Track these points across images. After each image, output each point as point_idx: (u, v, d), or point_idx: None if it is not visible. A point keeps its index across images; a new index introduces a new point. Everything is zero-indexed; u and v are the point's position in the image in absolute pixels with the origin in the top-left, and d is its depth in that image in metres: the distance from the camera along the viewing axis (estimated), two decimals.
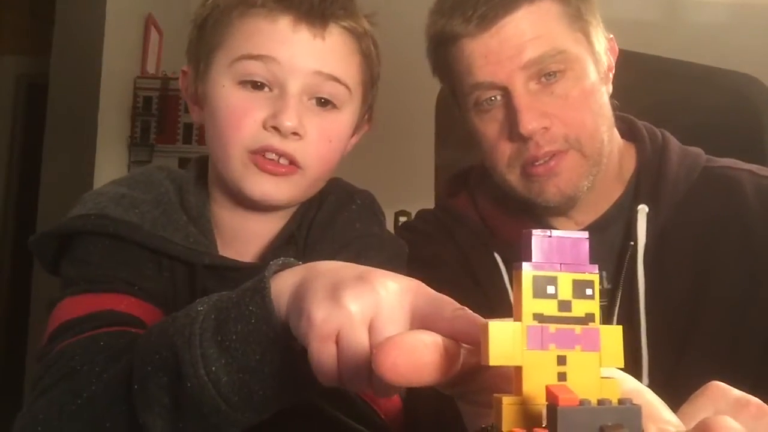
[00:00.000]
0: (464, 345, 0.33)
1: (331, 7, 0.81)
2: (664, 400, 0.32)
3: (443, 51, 0.92)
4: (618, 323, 0.87)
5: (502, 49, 0.85)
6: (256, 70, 0.80)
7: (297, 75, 0.79)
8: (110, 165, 2.64)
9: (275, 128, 0.79)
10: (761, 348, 0.85)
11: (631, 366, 0.84)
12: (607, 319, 0.90)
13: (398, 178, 2.66)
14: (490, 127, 0.89)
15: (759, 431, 0.31)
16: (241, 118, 0.79)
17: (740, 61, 1.40)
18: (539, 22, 0.85)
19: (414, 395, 0.79)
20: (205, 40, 0.84)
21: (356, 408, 0.72)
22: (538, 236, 0.28)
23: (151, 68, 3.03)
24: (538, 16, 0.85)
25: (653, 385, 0.33)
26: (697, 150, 0.97)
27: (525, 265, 0.27)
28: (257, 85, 0.80)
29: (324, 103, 0.82)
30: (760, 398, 0.33)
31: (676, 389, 0.35)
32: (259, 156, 0.80)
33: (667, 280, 0.88)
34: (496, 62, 0.85)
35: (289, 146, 0.80)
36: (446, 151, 1.35)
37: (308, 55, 0.80)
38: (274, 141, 0.79)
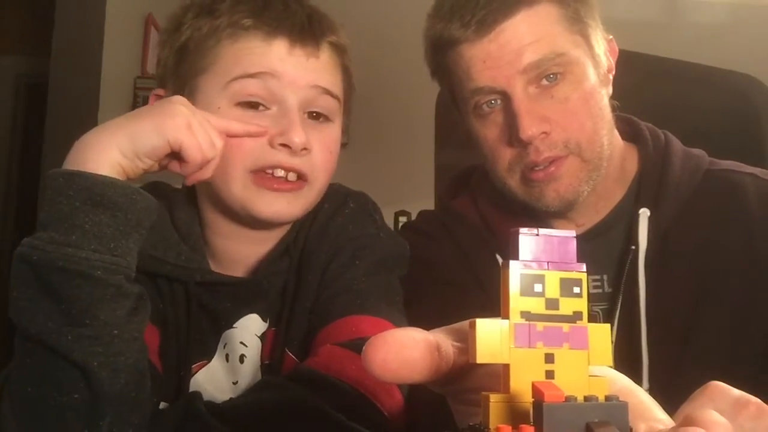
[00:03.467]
0: (455, 343, 0.33)
1: (320, 27, 0.85)
2: (664, 403, 0.32)
3: (442, 55, 0.91)
4: (619, 327, 0.88)
5: (501, 54, 0.84)
6: (253, 89, 0.81)
7: (295, 89, 0.82)
8: None
9: (284, 145, 0.80)
10: (761, 353, 0.84)
11: (631, 369, 0.84)
12: (607, 323, 0.90)
13: (398, 178, 2.65)
14: (489, 131, 0.89)
15: (759, 431, 0.31)
16: (243, 139, 0.80)
17: (740, 61, 1.40)
18: (538, 26, 0.85)
19: (414, 394, 0.79)
20: (187, 64, 0.84)
21: (359, 410, 0.72)
22: (525, 235, 0.28)
23: (151, 68, 3.02)
24: (536, 19, 0.85)
25: (653, 389, 0.33)
26: (699, 152, 0.96)
27: (512, 263, 0.28)
28: (254, 105, 0.82)
29: (317, 116, 0.84)
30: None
31: (676, 392, 0.35)
32: (263, 175, 0.81)
33: (668, 284, 0.88)
34: (495, 67, 0.85)
35: (298, 162, 0.82)
36: (446, 152, 1.35)
37: (304, 71, 0.83)
38: (282, 158, 0.81)
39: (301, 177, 0.83)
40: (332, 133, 0.87)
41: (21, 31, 3.82)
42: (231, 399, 0.78)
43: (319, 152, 0.84)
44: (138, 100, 2.90)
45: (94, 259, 0.66)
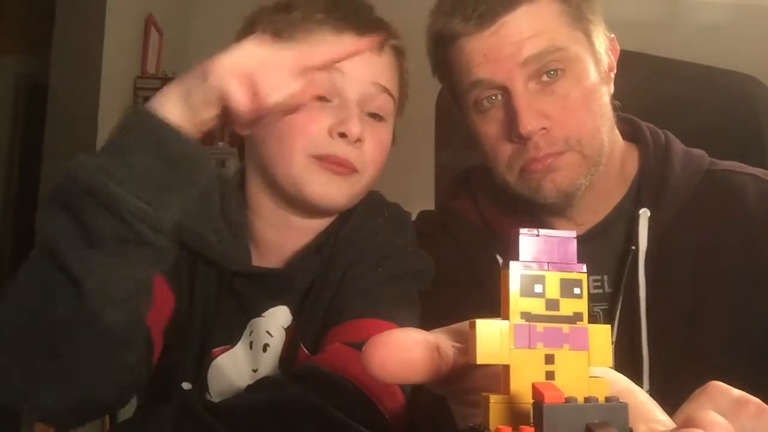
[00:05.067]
0: (455, 344, 0.33)
1: (385, 30, 0.91)
2: (664, 404, 0.32)
3: (443, 50, 0.92)
4: (619, 327, 0.88)
5: (501, 47, 0.85)
6: (319, 81, 0.84)
7: (356, 85, 0.87)
8: None
9: (342, 135, 0.85)
10: (761, 353, 0.84)
11: (632, 370, 0.84)
12: (608, 323, 0.90)
13: (398, 178, 2.65)
14: (490, 127, 0.89)
15: (759, 431, 0.31)
16: (307, 125, 0.85)
17: (740, 61, 1.40)
18: (539, 20, 0.85)
19: (415, 395, 0.79)
20: None
21: (359, 409, 0.73)
22: (525, 235, 0.28)
23: (151, 68, 3.03)
24: (537, 14, 0.85)
25: (653, 389, 0.33)
26: (700, 152, 0.96)
27: (512, 264, 0.27)
28: (319, 97, 0.85)
29: (373, 116, 0.89)
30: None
31: (676, 393, 0.35)
32: (324, 160, 0.85)
33: (669, 284, 0.88)
34: (495, 60, 0.85)
35: (351, 153, 0.86)
36: (446, 152, 1.35)
37: (367, 67, 0.88)
38: (338, 148, 0.85)
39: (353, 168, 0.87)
40: (385, 130, 0.91)
41: (21, 31, 3.82)
42: (228, 399, 0.78)
43: (371, 146, 0.88)
44: (138, 100, 2.90)
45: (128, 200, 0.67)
